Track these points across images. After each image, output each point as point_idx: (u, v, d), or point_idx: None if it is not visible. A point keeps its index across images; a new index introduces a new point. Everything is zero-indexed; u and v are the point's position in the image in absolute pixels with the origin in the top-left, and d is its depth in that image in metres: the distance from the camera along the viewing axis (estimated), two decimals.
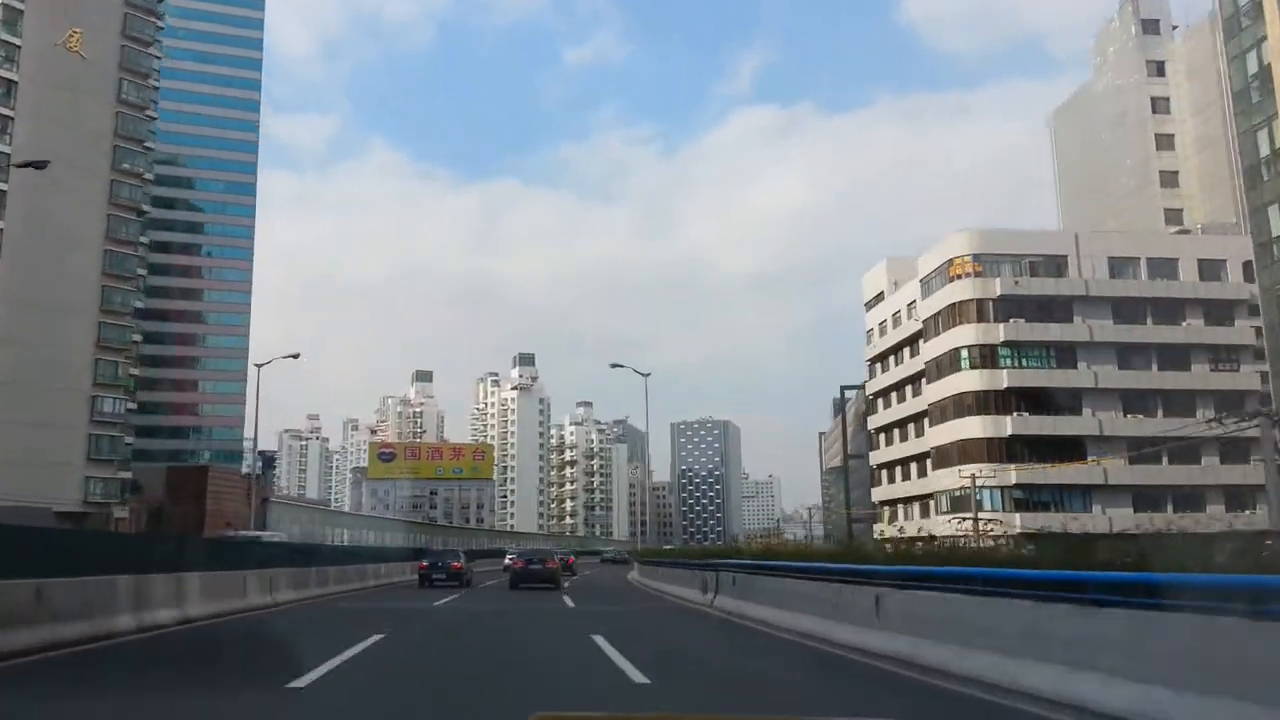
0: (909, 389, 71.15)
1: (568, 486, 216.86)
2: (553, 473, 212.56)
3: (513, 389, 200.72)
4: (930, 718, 7.95)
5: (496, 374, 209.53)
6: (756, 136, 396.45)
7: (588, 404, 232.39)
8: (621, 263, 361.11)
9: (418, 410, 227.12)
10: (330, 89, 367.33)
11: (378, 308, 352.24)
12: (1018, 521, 56.40)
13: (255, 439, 72.54)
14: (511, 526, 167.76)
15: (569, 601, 24.04)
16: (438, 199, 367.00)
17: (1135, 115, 71.69)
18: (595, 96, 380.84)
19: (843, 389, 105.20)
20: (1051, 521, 50.79)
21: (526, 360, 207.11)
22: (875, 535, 67.91)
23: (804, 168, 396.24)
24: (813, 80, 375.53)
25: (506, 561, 46.57)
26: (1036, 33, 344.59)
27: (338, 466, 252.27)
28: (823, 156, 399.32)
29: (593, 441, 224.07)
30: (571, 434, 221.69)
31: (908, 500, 70.81)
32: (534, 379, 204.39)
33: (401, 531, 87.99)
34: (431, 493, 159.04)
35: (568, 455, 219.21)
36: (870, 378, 78.74)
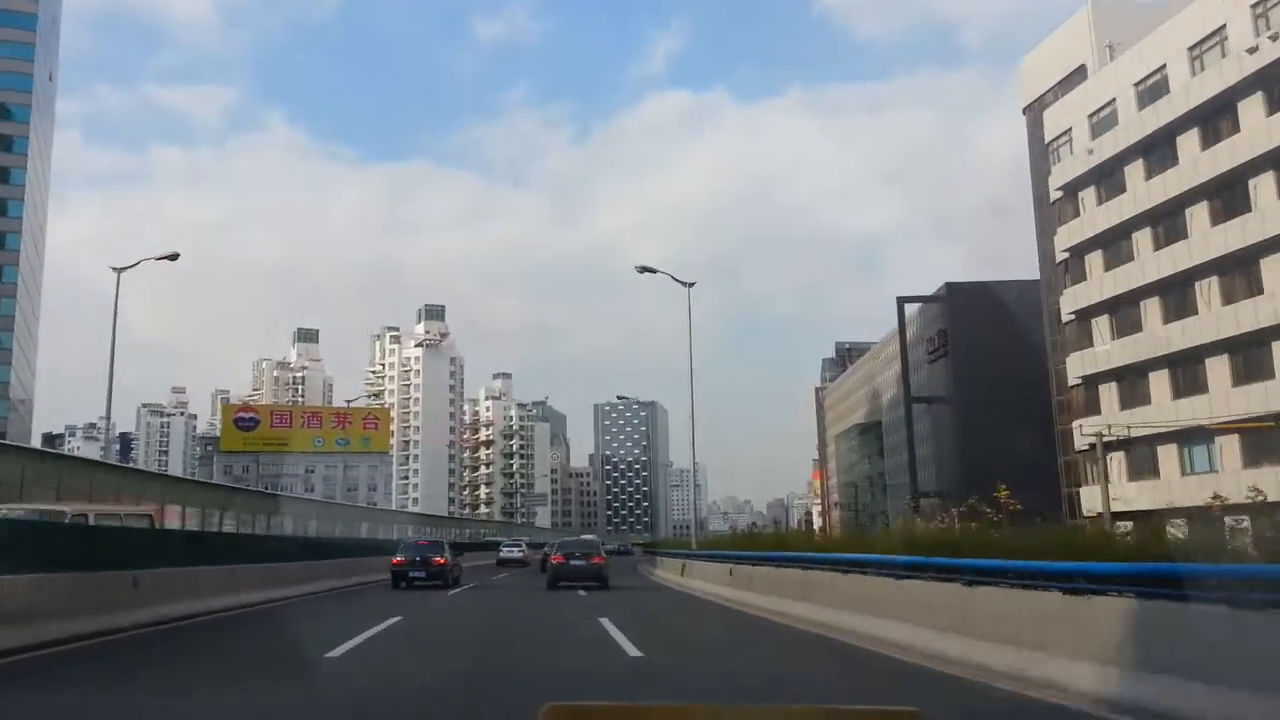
0: (1185, 219, 36.49)
1: (483, 470, 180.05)
2: (466, 454, 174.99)
3: (417, 346, 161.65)
4: None
5: (397, 329, 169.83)
6: (671, 122, 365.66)
7: (506, 375, 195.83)
8: (535, 247, 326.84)
9: (299, 375, 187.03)
10: (229, 58, 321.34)
11: (276, 286, 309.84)
12: None
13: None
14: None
15: None
16: (342, 176, 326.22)
17: None
18: (507, 74, 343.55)
19: (901, 300, 73.19)
20: None
21: (435, 314, 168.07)
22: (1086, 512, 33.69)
23: (716, 155, 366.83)
24: (726, 65, 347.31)
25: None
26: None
27: (206, 446, 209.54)
28: (735, 144, 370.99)
29: (511, 419, 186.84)
30: (488, 409, 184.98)
31: (1194, 434, 36.06)
32: (444, 335, 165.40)
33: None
34: (308, 470, 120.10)
35: (483, 435, 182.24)
36: (1061, 222, 43.76)
